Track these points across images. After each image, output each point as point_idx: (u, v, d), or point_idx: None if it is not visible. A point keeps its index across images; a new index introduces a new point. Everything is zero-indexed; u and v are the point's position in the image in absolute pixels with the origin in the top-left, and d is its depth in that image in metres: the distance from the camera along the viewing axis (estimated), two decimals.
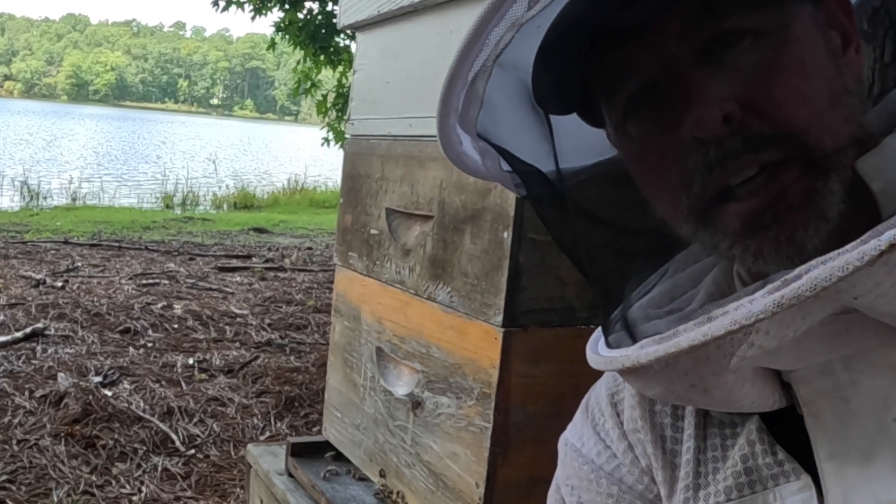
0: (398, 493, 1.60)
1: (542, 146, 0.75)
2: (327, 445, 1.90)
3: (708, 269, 0.65)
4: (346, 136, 1.99)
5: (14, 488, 2.71)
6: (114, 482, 2.82)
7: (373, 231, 1.77)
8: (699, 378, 0.52)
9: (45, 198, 10.89)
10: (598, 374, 0.77)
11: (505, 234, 1.38)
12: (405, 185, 1.68)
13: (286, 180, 12.95)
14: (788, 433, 0.56)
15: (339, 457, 1.87)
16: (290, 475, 1.87)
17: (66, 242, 7.54)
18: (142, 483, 2.83)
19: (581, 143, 0.78)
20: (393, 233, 1.70)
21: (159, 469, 2.95)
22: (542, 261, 1.41)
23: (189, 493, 2.79)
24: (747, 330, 0.46)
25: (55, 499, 2.66)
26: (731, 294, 0.58)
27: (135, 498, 2.72)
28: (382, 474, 1.66)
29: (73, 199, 11.00)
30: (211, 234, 8.94)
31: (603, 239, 0.76)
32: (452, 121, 0.74)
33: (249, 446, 2.04)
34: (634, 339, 0.58)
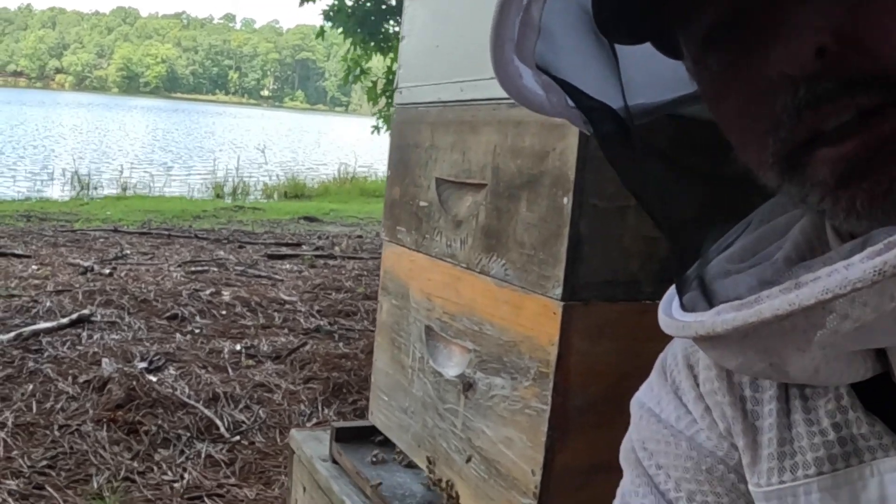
0: (447, 481, 1.53)
1: (609, 79, 0.66)
2: (374, 431, 1.83)
3: (796, 221, 0.59)
4: (394, 105, 1.92)
5: (54, 474, 2.70)
6: (155, 469, 2.81)
7: (422, 203, 1.70)
8: (780, 353, 0.48)
9: (95, 188, 11.08)
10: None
11: (565, 200, 1.30)
12: (456, 153, 1.60)
13: (336, 169, 12.97)
14: (879, 402, 0.51)
15: (386, 442, 1.80)
16: (335, 461, 1.81)
17: (115, 231, 7.64)
18: (184, 470, 2.81)
19: (657, 75, 0.69)
20: (443, 204, 1.63)
21: (203, 455, 2.92)
22: (604, 229, 1.32)
23: (232, 481, 2.76)
24: (841, 300, 0.41)
25: (95, 485, 2.65)
26: (822, 252, 0.53)
27: (176, 485, 2.70)
28: (431, 461, 1.59)
29: (123, 189, 11.17)
30: (261, 222, 8.99)
31: (678, 186, 0.69)
32: (509, 52, 0.65)
33: (293, 431, 1.98)
34: (711, 302, 0.53)
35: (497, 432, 1.38)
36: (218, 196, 11.37)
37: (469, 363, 1.47)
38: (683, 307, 0.55)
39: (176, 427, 3.12)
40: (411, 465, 1.71)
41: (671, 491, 0.64)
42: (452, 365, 1.55)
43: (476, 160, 1.52)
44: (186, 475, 2.77)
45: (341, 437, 1.82)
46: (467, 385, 1.47)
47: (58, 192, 10.90)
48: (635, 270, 1.36)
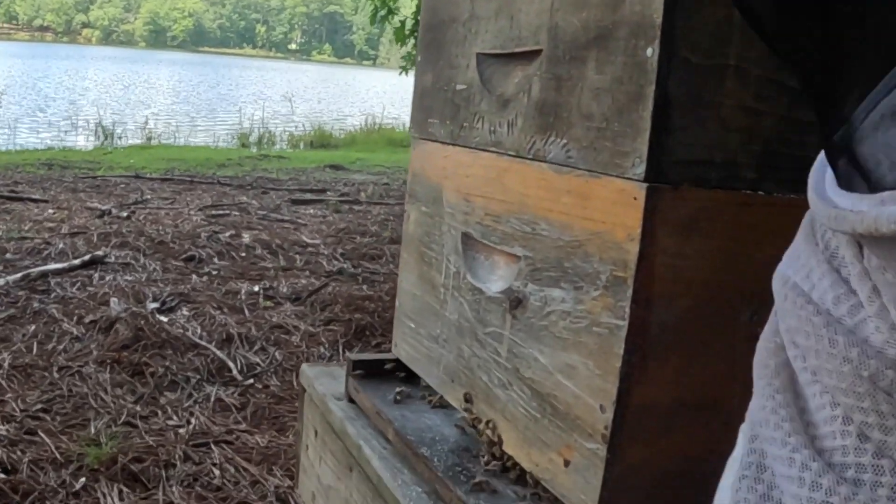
0: (488, 422, 1.23)
1: None
2: (398, 365, 1.54)
3: None
4: None
5: (48, 418, 2.45)
6: (160, 413, 2.54)
7: (459, 86, 1.38)
8: None
9: (119, 138, 10.85)
10: (775, 261, 0.58)
11: (649, 52, 0.97)
12: (502, 20, 1.27)
13: (363, 120, 12.64)
14: None
15: (412, 379, 1.51)
16: (351, 400, 1.52)
17: (136, 177, 7.41)
18: (191, 414, 2.54)
19: None
20: (486, 83, 1.30)
21: (212, 399, 2.65)
22: (698, 93, 1.00)
23: (243, 426, 2.49)
24: None
25: (92, 430, 2.39)
26: None
27: (182, 430, 2.43)
28: (468, 398, 1.29)
29: (148, 139, 10.93)
30: (286, 170, 8.71)
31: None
32: None
33: (304, 367, 1.70)
34: (869, 181, 0.41)
35: (554, 359, 1.08)
36: (243, 146, 11.11)
37: (518, 274, 1.16)
38: (839, 180, 0.44)
39: (185, 369, 2.86)
40: (442, 405, 1.41)
41: (825, 409, 0.47)
42: (496, 278, 1.24)
43: (528, 23, 1.20)
44: (193, 420, 2.50)
45: (359, 371, 1.52)
46: (515, 302, 1.15)
47: (82, 141, 10.68)
48: (734, 149, 1.04)
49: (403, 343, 1.50)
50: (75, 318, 3.32)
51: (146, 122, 11.60)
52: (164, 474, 2.21)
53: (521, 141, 1.18)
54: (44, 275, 3.95)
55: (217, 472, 2.23)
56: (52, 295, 3.65)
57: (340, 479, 1.45)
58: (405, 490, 1.20)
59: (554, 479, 1.07)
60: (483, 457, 1.20)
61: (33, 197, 6.04)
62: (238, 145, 11.25)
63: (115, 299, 3.48)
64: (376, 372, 1.50)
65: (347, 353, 1.42)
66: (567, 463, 1.04)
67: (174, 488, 2.15)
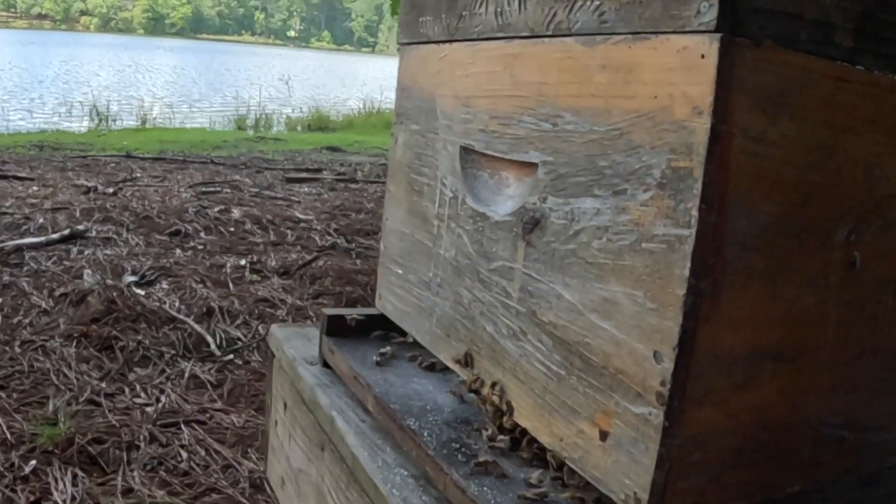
0: (494, 384, 0.93)
1: None
2: (382, 323, 1.24)
3: None
4: None
5: (3, 395, 2.15)
6: (127, 390, 2.25)
7: None
8: None
9: (114, 121, 10.53)
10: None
11: None
12: None
13: (362, 103, 12.31)
14: None
15: (400, 338, 1.21)
16: (326, 365, 1.22)
17: (128, 157, 7.11)
18: (161, 391, 2.25)
19: None
20: None
21: (186, 375, 2.36)
22: None
23: (218, 405, 2.19)
24: None
25: (51, 408, 2.09)
26: None
27: (149, 409, 2.14)
28: (468, 361, 0.99)
29: (143, 122, 10.61)
30: (282, 152, 8.40)
31: None
32: None
33: (273, 327, 1.40)
34: None
35: (585, 294, 0.78)
36: (240, 128, 10.78)
37: (534, 188, 0.86)
38: None
39: (158, 343, 2.56)
40: (436, 367, 1.11)
41: None
42: (504, 198, 0.94)
43: None
44: (163, 398, 2.21)
45: (335, 329, 1.22)
46: (531, 223, 0.86)
47: (76, 125, 10.36)
48: (828, 8, 0.73)
49: (389, 294, 1.21)
50: (46, 291, 3.02)
51: (142, 106, 11.27)
52: (125, 457, 1.92)
53: (537, 15, 0.88)
54: (18, 249, 3.65)
55: (185, 454, 1.94)
56: (25, 269, 3.35)
57: (311, 461, 1.15)
58: (387, 473, 0.90)
59: (585, 457, 0.78)
60: (487, 430, 0.90)
61: (19, 175, 5.73)
62: (235, 128, 10.93)
63: (89, 272, 3.19)
64: (357, 330, 1.21)
65: (322, 309, 1.15)
66: (604, 435, 0.75)
67: (135, 473, 1.86)
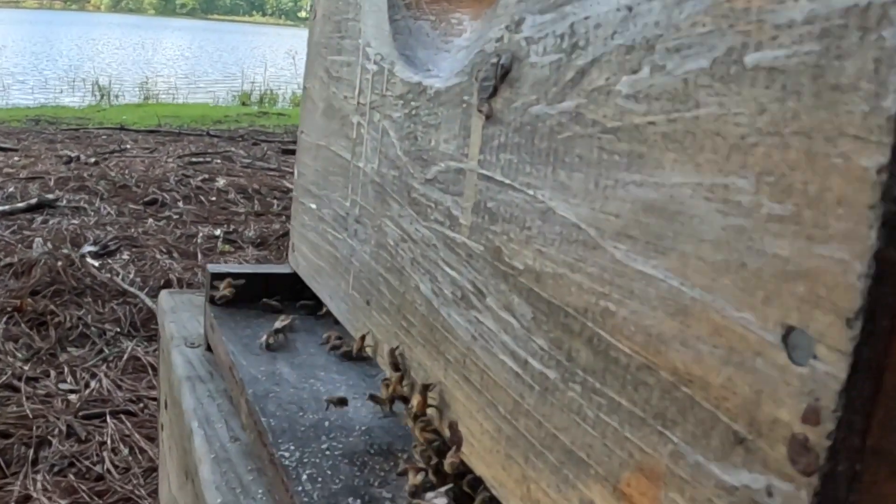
0: (428, 387, 0.50)
1: None
2: (295, 288, 0.82)
3: None
4: None
5: None
6: (53, 374, 1.84)
7: None
8: None
9: (116, 97, 10.11)
10: None
11: None
12: None
13: None
14: None
15: (319, 311, 0.79)
16: (210, 347, 0.80)
17: (121, 129, 6.69)
18: (93, 376, 1.83)
19: None
20: None
21: (126, 357, 1.94)
22: None
23: (156, 393, 1.79)
24: None
25: None
26: None
27: (73, 397, 1.73)
28: (394, 349, 0.56)
29: (146, 98, 10.19)
30: (283, 126, 7.98)
31: None
32: None
33: (163, 294, 0.98)
34: None
35: (611, 205, 0.34)
36: (243, 104, 10.34)
37: (502, 11, 0.42)
38: None
39: (102, 320, 2.15)
40: (360, 354, 0.68)
41: None
42: (453, 50, 0.51)
43: None
44: (94, 383, 1.80)
45: (220, 296, 0.80)
46: (492, 78, 0.42)
47: (77, 101, 9.93)
48: None
49: (301, 243, 0.78)
50: None
51: (145, 82, 10.84)
52: (31, 456, 1.51)
53: None
54: None
55: (104, 454, 1.52)
56: None
57: (181, 492, 0.73)
58: None
59: None
60: (415, 475, 0.48)
61: (3, 146, 5.32)
62: (238, 104, 10.48)
63: (39, 240, 2.77)
64: (253, 294, 0.78)
65: (207, 264, 0.78)
66: None
67: (40, 476, 1.45)
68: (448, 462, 0.46)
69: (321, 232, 0.73)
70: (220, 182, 4.23)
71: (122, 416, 1.65)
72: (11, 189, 3.86)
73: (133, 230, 3.17)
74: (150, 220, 3.40)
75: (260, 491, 0.55)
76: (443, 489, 0.41)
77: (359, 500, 0.46)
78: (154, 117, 8.41)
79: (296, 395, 0.60)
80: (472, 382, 0.44)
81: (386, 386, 0.54)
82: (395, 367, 0.54)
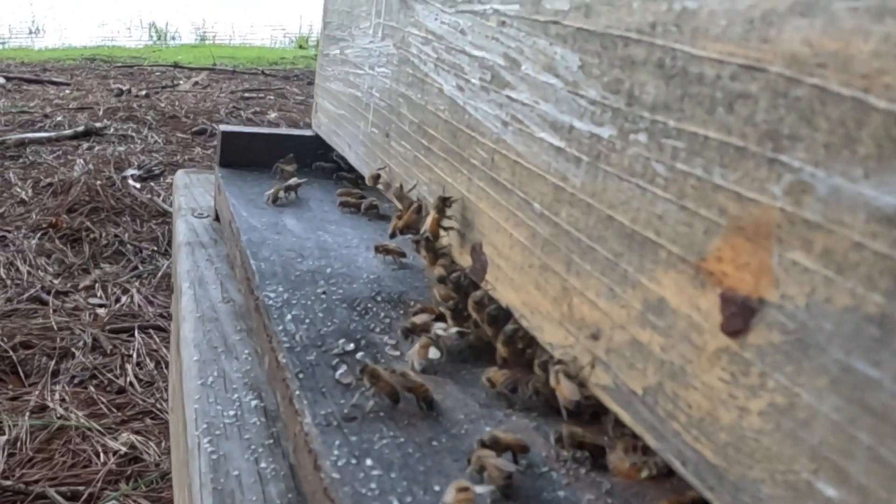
0: (442, 204, 0.41)
1: None
2: (316, 151, 0.73)
3: None
4: None
5: None
6: (83, 289, 1.80)
7: None
8: None
9: (172, 38, 10.16)
10: None
11: None
12: None
13: None
14: None
15: (337, 173, 0.70)
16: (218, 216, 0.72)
17: (175, 66, 6.70)
18: (125, 291, 1.79)
19: None
20: None
21: (160, 274, 1.90)
22: None
23: None
24: None
25: None
26: None
27: (101, 311, 1.69)
28: (403, 187, 0.46)
29: (202, 39, 10.21)
30: None
31: None
32: None
33: (178, 173, 0.91)
34: None
35: None
36: (300, 47, 10.30)
37: None
38: None
39: (139, 238, 2.11)
40: (372, 210, 0.59)
41: None
42: None
43: None
44: (125, 298, 1.75)
45: (233, 155, 0.71)
46: None
47: (134, 42, 10.01)
48: None
49: (324, 99, 0.69)
50: (30, 181, 2.60)
51: (203, 23, 10.86)
52: (52, 367, 1.47)
53: None
54: (21, 143, 3.24)
55: (128, 367, 1.48)
56: (20, 161, 2.94)
57: (174, 362, 0.66)
58: (205, 403, 0.40)
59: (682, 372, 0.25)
60: (426, 314, 0.38)
61: (55, 80, 5.37)
62: (296, 47, 10.45)
63: (81, 162, 2.75)
64: (266, 154, 0.69)
65: (220, 125, 0.71)
66: (742, 312, 0.22)
67: (59, 387, 1.41)
68: (471, 300, 0.36)
69: (343, 77, 0.63)
70: (272, 115, 4.18)
71: (151, 331, 1.60)
72: (60, 118, 3.87)
73: (179, 157, 3.13)
74: (198, 148, 3.36)
75: (246, 351, 0.47)
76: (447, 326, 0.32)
77: (351, 344, 0.37)
78: (209, 57, 8.43)
79: (297, 244, 0.51)
80: (500, 183, 0.34)
81: (398, 217, 0.45)
82: (402, 191, 0.45)
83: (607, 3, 0.27)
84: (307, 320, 0.40)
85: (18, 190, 2.50)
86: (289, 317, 0.40)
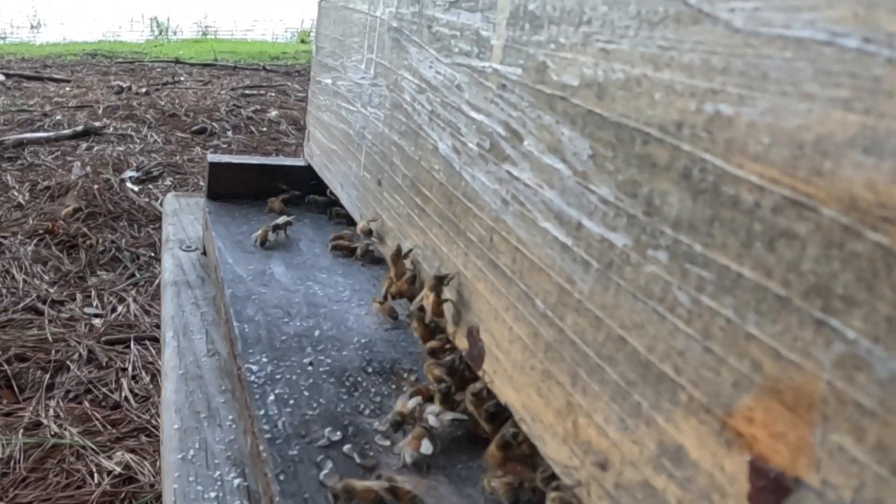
0: (437, 284, 0.37)
1: None
2: (308, 184, 0.69)
3: None
4: None
5: None
6: (79, 297, 1.77)
7: None
8: None
9: (174, 32, 10.10)
10: None
11: None
12: None
13: None
14: None
15: (332, 208, 0.67)
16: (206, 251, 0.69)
17: (177, 62, 6.66)
18: (121, 300, 1.76)
19: None
20: None
21: (157, 282, 1.87)
22: None
23: None
24: None
25: None
26: None
27: (97, 321, 1.66)
28: (400, 245, 0.43)
29: (204, 34, 10.16)
30: None
31: None
32: None
33: (168, 196, 0.87)
34: None
35: None
36: (302, 42, 10.25)
37: None
38: None
39: (137, 244, 2.08)
40: (368, 256, 0.56)
41: None
42: None
43: None
44: (121, 307, 1.72)
45: (222, 187, 0.68)
46: None
47: (135, 37, 9.96)
48: None
49: (315, 129, 0.65)
50: (28, 184, 2.57)
51: (204, 18, 10.81)
52: (46, 381, 1.44)
53: None
54: (20, 143, 3.21)
55: (123, 382, 1.45)
56: (18, 162, 2.90)
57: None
58: (183, 483, 0.36)
59: None
60: (422, 399, 0.35)
61: (55, 77, 5.33)
62: (297, 42, 10.40)
63: (78, 164, 2.72)
64: (256, 185, 0.66)
65: (207, 153, 0.68)
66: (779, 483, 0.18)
67: (53, 402, 1.38)
68: (469, 392, 0.33)
69: (335, 109, 0.60)
70: (273, 113, 4.14)
71: (147, 343, 1.57)
72: (59, 117, 3.84)
73: (178, 157, 3.10)
74: (197, 148, 3.32)
75: (230, 417, 0.44)
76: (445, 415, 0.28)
77: (338, 433, 0.34)
78: (211, 52, 8.40)
79: (285, 299, 0.48)
80: (499, 267, 0.31)
81: (390, 280, 0.41)
82: (399, 257, 0.41)
83: (624, 88, 0.24)
84: (291, 401, 0.36)
85: (16, 193, 2.47)
86: (272, 397, 0.37)
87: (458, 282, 0.35)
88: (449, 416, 0.33)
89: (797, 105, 0.17)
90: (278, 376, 0.39)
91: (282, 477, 0.32)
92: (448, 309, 0.36)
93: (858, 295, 0.16)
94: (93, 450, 1.26)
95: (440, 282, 0.35)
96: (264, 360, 0.40)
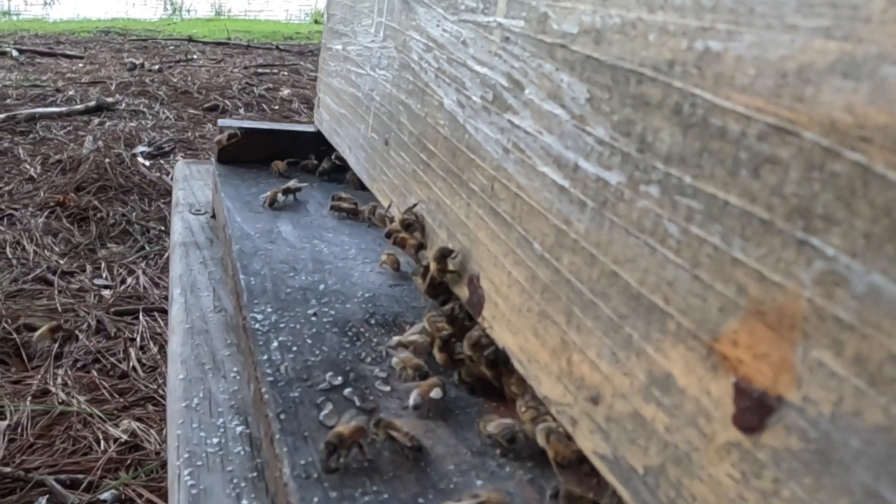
0: (446, 254, 0.38)
1: None
2: (318, 148, 0.70)
3: None
4: None
5: None
6: (89, 268, 1.79)
7: None
8: None
9: (188, 11, 10.10)
10: None
11: None
12: None
13: None
14: None
15: (339, 174, 0.68)
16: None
17: (190, 41, 6.67)
18: (131, 272, 1.78)
19: None
20: None
21: (166, 255, 1.88)
22: None
23: None
24: None
25: None
26: None
27: (106, 292, 1.68)
28: (409, 205, 0.44)
29: (217, 13, 10.16)
30: None
31: None
32: None
33: (178, 164, 0.88)
34: None
35: None
36: (316, 22, 10.24)
37: None
38: None
39: (147, 217, 2.09)
40: (374, 217, 0.57)
41: None
42: None
43: None
44: (130, 279, 1.74)
45: (227, 153, 0.69)
46: None
47: (149, 14, 9.97)
48: None
49: (325, 94, 0.66)
50: (40, 158, 2.58)
51: None
52: (55, 350, 1.46)
53: None
54: (32, 117, 3.23)
55: (131, 352, 1.47)
56: (30, 136, 2.92)
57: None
58: (187, 429, 0.37)
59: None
60: (417, 356, 0.36)
61: (68, 53, 5.35)
62: (311, 22, 10.39)
63: (90, 138, 2.73)
64: (265, 151, 0.67)
65: (218, 119, 0.69)
66: (759, 405, 0.19)
67: (61, 371, 1.40)
68: (467, 341, 0.34)
69: (345, 74, 0.60)
70: (285, 92, 4.15)
71: (156, 314, 1.59)
72: (71, 92, 3.85)
73: (190, 133, 3.11)
74: (209, 124, 3.33)
75: (234, 369, 0.45)
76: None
77: (339, 377, 0.35)
78: (224, 31, 8.40)
79: (291, 255, 0.49)
80: (500, 214, 0.32)
81: (398, 237, 0.42)
82: (408, 222, 0.42)
83: (620, 32, 0.24)
84: (294, 348, 0.37)
85: (27, 167, 2.49)
86: (275, 343, 0.38)
87: (461, 231, 0.36)
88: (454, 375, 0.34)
89: (781, 37, 0.18)
90: (282, 325, 0.40)
91: (282, 416, 0.33)
92: (453, 279, 0.37)
93: (837, 213, 0.16)
94: (100, 418, 1.28)
95: (445, 256, 0.36)
96: (269, 310, 0.41)
